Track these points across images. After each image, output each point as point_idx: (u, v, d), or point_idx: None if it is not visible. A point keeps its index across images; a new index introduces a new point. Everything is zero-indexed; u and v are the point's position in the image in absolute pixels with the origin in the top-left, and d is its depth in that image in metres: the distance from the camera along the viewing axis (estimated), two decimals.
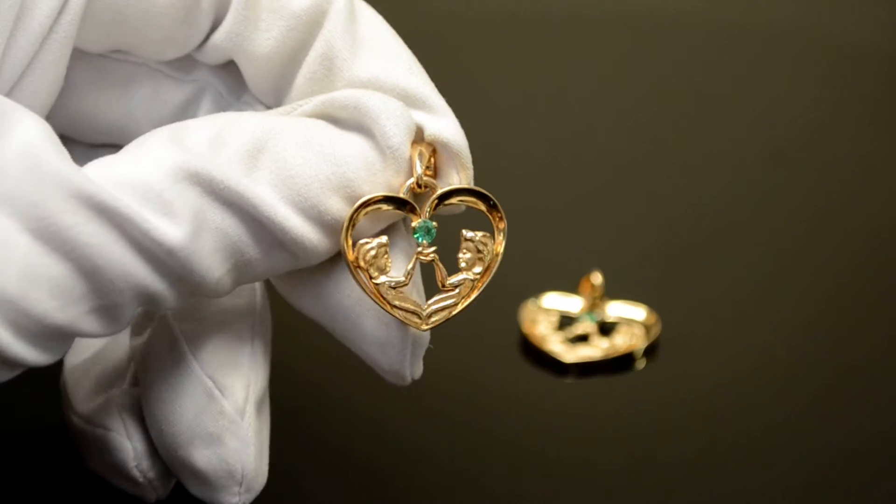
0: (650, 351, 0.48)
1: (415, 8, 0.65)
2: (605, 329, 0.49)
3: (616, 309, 0.50)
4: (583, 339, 0.49)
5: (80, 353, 0.38)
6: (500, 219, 0.34)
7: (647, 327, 0.49)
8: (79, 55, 0.35)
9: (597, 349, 0.48)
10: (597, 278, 0.50)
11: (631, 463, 0.44)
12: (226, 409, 0.34)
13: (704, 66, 0.64)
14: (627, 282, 0.51)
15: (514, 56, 0.65)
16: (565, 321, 0.49)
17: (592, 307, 0.50)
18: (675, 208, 0.55)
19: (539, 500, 0.43)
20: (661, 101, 0.62)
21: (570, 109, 0.61)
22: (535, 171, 0.57)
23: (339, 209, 0.33)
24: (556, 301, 0.50)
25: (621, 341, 0.48)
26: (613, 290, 0.50)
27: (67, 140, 0.36)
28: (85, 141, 0.37)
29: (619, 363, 0.48)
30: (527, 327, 0.49)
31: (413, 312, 0.34)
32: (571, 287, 0.50)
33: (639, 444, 0.45)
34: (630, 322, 0.49)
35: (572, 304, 0.50)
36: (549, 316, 0.49)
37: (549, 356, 0.48)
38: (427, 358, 0.46)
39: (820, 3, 0.68)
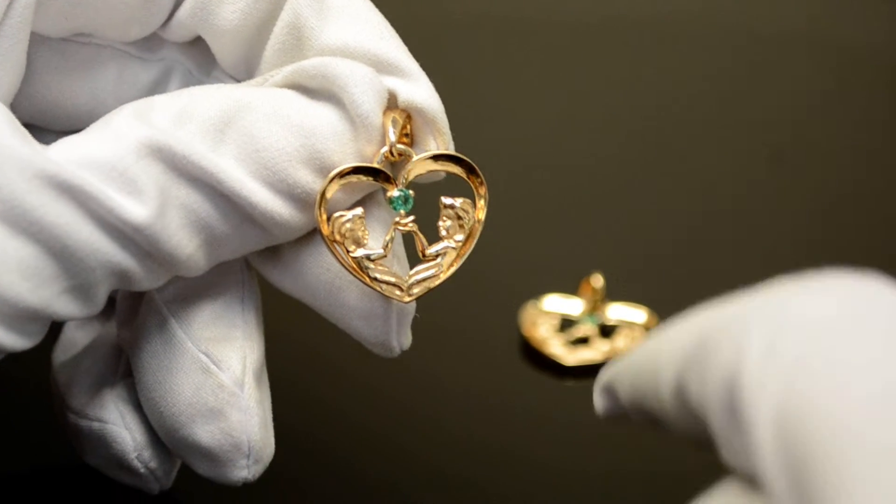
0: None
1: (417, 10, 0.65)
2: (606, 331, 0.49)
3: (617, 311, 0.49)
4: (583, 341, 0.49)
5: (68, 350, 0.38)
6: (481, 184, 0.33)
7: (648, 329, 0.49)
8: (40, 40, 0.35)
9: (597, 352, 0.48)
10: (597, 280, 0.49)
11: (631, 466, 0.44)
12: (224, 382, 0.33)
13: (705, 69, 0.64)
14: (628, 284, 0.50)
15: (518, 59, 0.65)
16: (566, 324, 0.49)
17: (593, 309, 0.49)
18: (676, 211, 0.55)
19: (538, 503, 0.43)
20: (662, 104, 0.62)
21: (571, 112, 0.61)
22: (536, 173, 0.57)
23: (310, 181, 0.32)
24: (557, 303, 0.50)
25: (622, 344, 0.48)
26: (614, 293, 0.50)
27: (38, 129, 0.36)
28: (56, 129, 0.36)
29: None
30: (527, 330, 0.49)
31: (394, 285, 0.33)
32: (572, 289, 0.50)
33: (640, 446, 0.45)
34: (631, 324, 0.49)
35: (573, 306, 0.50)
36: (549, 318, 0.49)
37: (549, 359, 0.48)
38: (426, 359, 0.46)
39: (824, 7, 0.68)
